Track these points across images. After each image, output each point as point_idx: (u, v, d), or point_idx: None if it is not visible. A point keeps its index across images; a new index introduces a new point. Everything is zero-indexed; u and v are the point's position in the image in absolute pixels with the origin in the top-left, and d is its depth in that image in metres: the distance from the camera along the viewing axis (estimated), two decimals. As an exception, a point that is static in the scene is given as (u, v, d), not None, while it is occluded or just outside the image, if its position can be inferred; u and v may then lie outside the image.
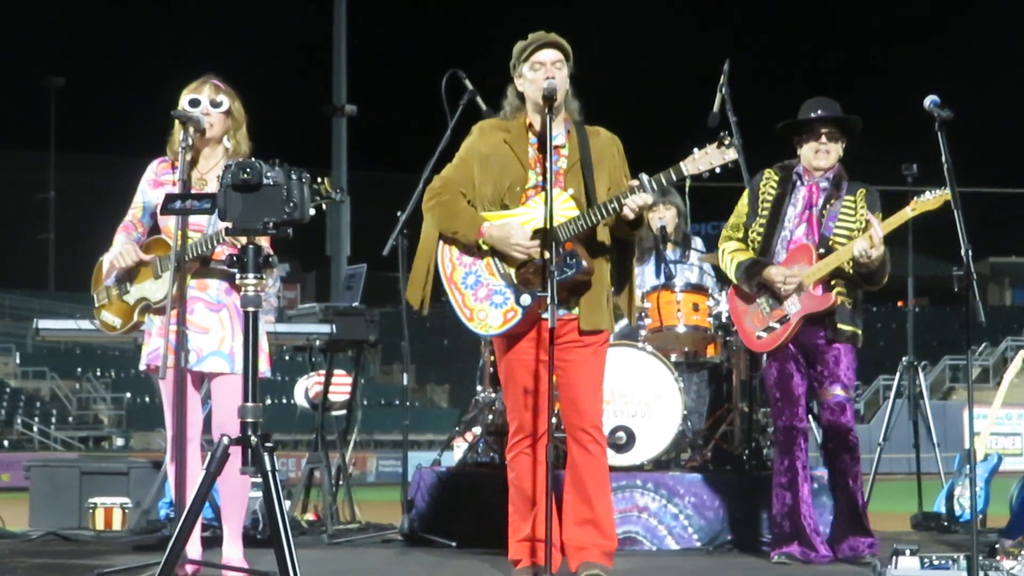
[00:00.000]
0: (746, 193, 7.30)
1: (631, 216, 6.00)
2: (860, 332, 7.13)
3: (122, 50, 59.46)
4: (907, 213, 6.96)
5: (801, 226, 7.09)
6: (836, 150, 7.12)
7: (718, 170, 6.04)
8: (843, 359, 7.05)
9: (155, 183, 6.40)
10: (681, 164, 6.03)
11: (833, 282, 7.01)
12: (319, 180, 5.33)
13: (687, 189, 8.86)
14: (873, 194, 7.12)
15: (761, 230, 7.14)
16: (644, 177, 5.97)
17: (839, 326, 7.02)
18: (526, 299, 6.05)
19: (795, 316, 7.01)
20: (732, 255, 7.18)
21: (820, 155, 7.09)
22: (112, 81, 57.18)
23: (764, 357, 7.25)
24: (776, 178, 7.20)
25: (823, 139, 7.09)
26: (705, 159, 6.01)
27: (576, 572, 6.15)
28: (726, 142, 6.02)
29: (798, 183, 7.15)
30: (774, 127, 7.28)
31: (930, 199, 6.87)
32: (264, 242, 5.37)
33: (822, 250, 7.00)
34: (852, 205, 7.07)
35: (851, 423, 7.09)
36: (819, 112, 7.12)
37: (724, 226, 7.31)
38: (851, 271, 7.00)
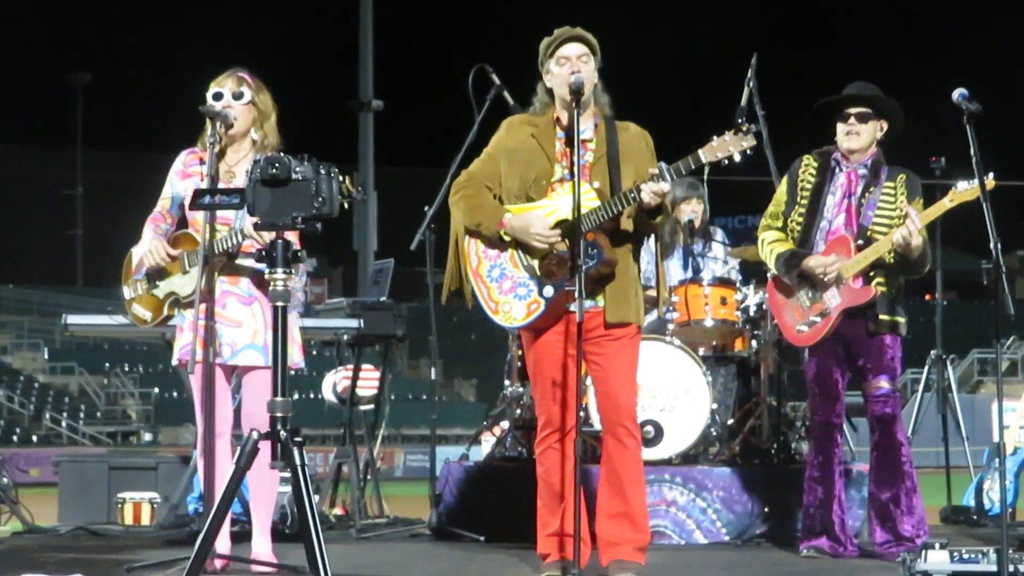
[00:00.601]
0: (784, 180, 7.19)
1: (651, 204, 5.98)
2: (903, 320, 7.03)
3: (149, 45, 59.62)
4: (945, 204, 6.82)
5: (840, 215, 6.99)
6: (867, 132, 6.99)
7: (737, 157, 5.97)
8: (887, 350, 6.97)
9: (183, 174, 6.42)
10: (699, 151, 5.99)
11: (872, 273, 6.90)
12: (341, 178, 5.33)
13: (706, 179, 8.82)
14: (914, 179, 7.01)
15: (800, 219, 7.04)
16: (662, 165, 5.93)
17: (880, 317, 6.92)
18: (548, 291, 6.04)
19: (835, 310, 6.93)
20: (772, 246, 7.08)
21: (851, 136, 6.99)
22: (139, 76, 57.33)
23: (805, 351, 7.20)
24: (815, 165, 7.10)
25: (852, 120, 6.98)
26: (724, 146, 5.97)
27: (608, 570, 6.14)
28: (744, 128, 5.99)
29: (837, 169, 7.04)
30: (801, 121, 7.22)
31: (968, 189, 6.69)
32: (293, 237, 5.37)
33: (860, 241, 6.90)
34: (892, 192, 6.96)
35: (897, 412, 7.01)
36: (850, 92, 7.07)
37: (763, 215, 7.21)
38: (891, 261, 6.93)
